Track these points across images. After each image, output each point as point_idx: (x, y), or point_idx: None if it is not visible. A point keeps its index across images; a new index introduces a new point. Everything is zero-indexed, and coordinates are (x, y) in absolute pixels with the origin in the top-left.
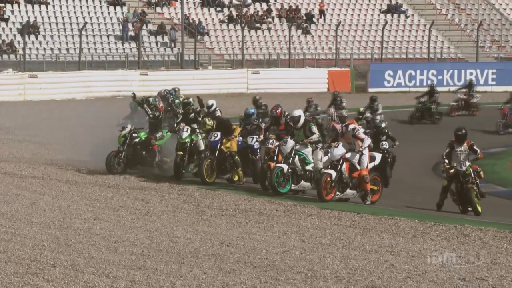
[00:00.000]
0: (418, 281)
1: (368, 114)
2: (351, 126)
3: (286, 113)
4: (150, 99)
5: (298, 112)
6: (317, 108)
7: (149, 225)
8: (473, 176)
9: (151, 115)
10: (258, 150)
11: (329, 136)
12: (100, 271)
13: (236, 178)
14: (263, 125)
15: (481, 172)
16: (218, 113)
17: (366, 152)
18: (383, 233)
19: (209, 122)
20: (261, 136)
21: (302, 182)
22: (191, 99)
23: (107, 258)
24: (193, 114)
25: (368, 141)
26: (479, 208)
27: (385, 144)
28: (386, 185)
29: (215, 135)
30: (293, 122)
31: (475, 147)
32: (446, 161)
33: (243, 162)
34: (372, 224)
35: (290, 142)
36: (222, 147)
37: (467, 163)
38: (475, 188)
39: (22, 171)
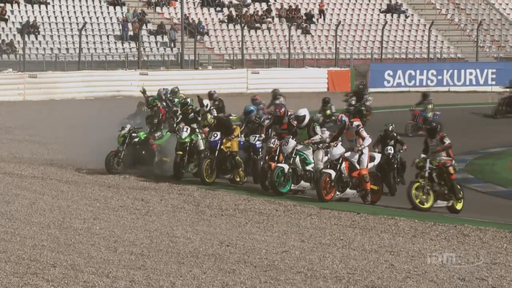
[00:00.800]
0: (418, 281)
1: (318, 115)
2: (355, 123)
3: (289, 113)
4: (150, 99)
5: (303, 112)
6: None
7: (148, 225)
8: (427, 169)
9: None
10: (260, 150)
11: (337, 126)
12: (100, 271)
13: (238, 179)
14: (265, 123)
15: (450, 168)
16: (214, 113)
17: (366, 151)
18: (382, 233)
19: (210, 119)
20: (263, 135)
21: (302, 182)
22: (188, 99)
23: (106, 258)
24: (192, 114)
25: (368, 140)
26: (426, 206)
27: (390, 149)
28: (392, 193)
29: (215, 135)
30: (298, 121)
31: (444, 140)
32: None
33: (245, 161)
34: (372, 224)
35: (292, 142)
36: (222, 147)
37: (422, 156)
38: (421, 182)
39: (21, 171)
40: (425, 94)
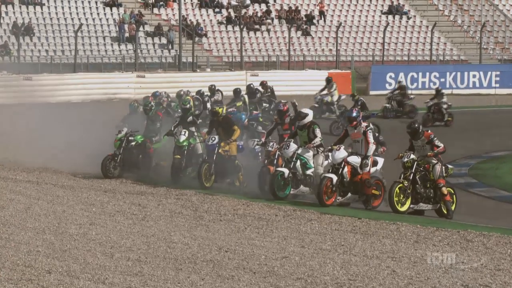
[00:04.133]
0: (420, 287)
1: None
2: (364, 124)
3: (292, 115)
4: (145, 104)
5: (307, 110)
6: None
7: (146, 230)
8: (412, 172)
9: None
10: (260, 154)
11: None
12: (96, 277)
13: (237, 183)
14: (259, 129)
15: (443, 189)
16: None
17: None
18: (384, 239)
19: (220, 110)
20: (263, 139)
21: (301, 186)
22: (189, 105)
23: (103, 264)
24: (191, 117)
25: (373, 147)
26: (402, 209)
27: None
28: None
29: (213, 138)
30: (300, 118)
31: (435, 142)
32: (407, 150)
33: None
34: (373, 229)
35: (293, 146)
36: (220, 150)
37: (412, 156)
38: (405, 184)
39: (16, 176)
40: (236, 90)
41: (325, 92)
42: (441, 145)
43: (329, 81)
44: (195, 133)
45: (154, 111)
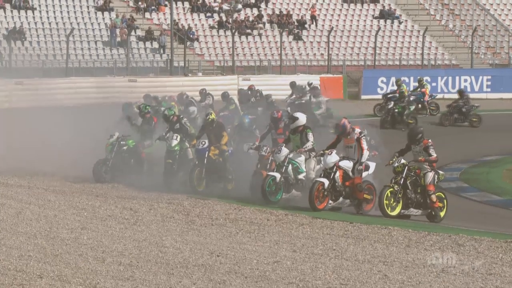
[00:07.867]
0: None
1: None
2: (357, 130)
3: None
4: (141, 107)
5: (298, 114)
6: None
7: (137, 234)
8: (403, 176)
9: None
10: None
11: (336, 131)
12: (88, 281)
13: (229, 187)
14: (257, 132)
15: (433, 196)
16: (199, 120)
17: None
18: (376, 243)
19: (212, 115)
20: (256, 143)
21: (293, 191)
22: (166, 112)
23: (94, 269)
24: (178, 124)
25: (367, 153)
26: (393, 213)
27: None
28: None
29: (203, 142)
30: (291, 121)
31: (430, 150)
32: (397, 155)
33: None
34: (365, 234)
35: (284, 151)
36: (210, 154)
37: (402, 160)
38: (396, 188)
39: (7, 180)
40: (224, 94)
41: (293, 96)
42: (434, 155)
43: (293, 85)
44: (184, 139)
45: (150, 113)
